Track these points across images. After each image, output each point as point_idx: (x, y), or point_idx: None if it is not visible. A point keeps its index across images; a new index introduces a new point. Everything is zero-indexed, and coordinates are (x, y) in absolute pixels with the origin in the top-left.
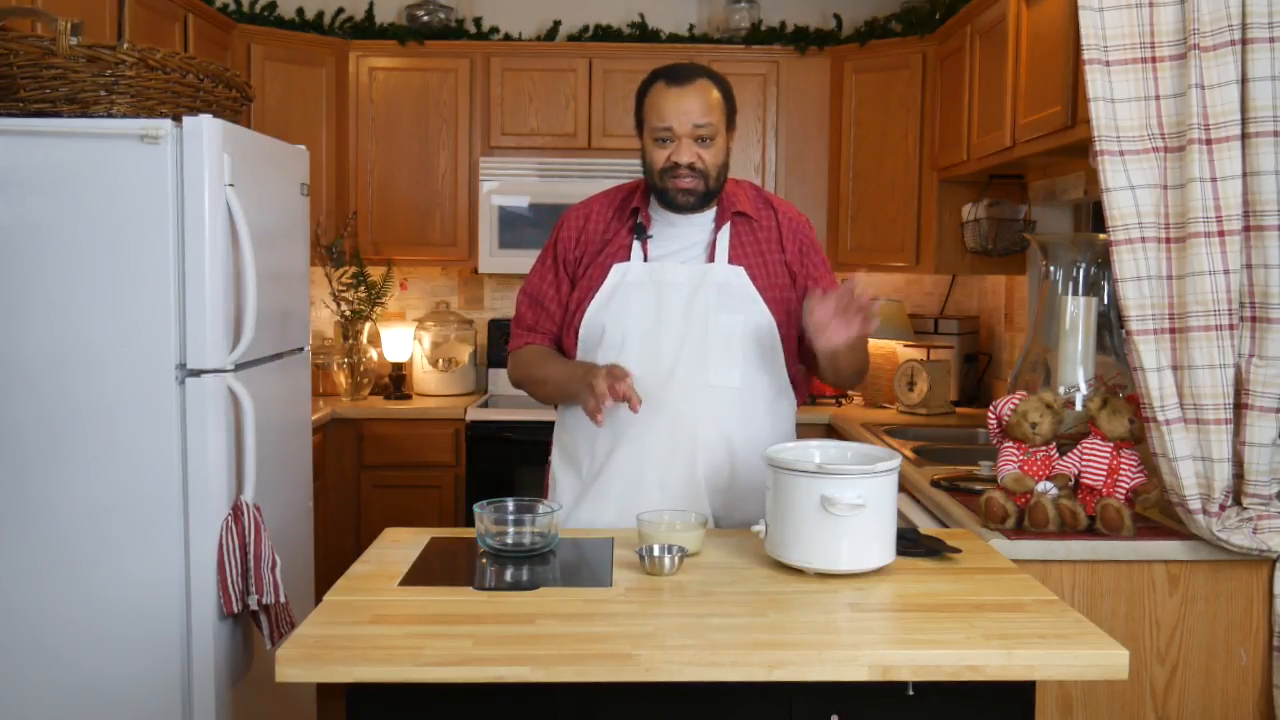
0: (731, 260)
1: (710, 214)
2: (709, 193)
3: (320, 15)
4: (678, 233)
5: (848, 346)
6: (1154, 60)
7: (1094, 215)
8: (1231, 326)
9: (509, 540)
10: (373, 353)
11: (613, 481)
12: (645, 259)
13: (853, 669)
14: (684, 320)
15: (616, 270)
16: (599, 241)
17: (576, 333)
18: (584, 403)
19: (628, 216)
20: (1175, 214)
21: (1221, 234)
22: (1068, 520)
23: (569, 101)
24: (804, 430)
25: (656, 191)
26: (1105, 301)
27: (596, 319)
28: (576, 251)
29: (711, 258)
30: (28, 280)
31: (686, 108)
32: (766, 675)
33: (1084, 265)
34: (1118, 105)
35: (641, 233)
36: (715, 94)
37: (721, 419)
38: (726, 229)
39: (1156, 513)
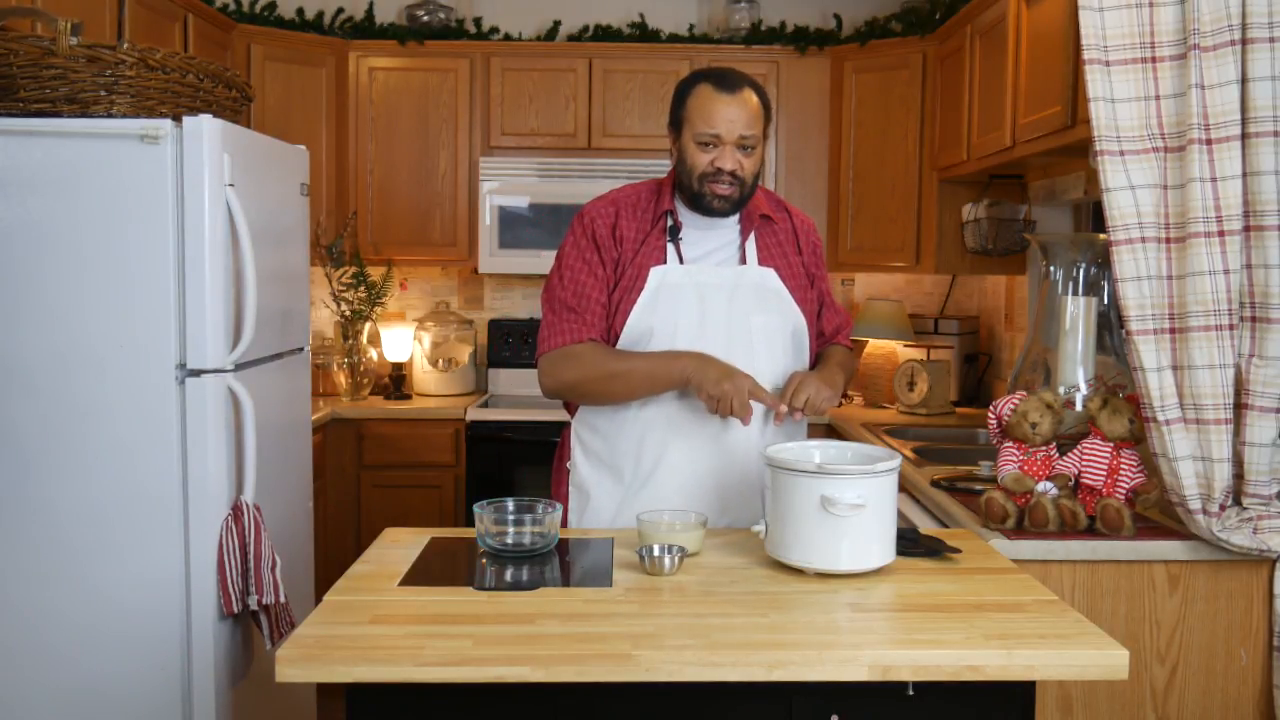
0: (761, 262)
1: (735, 217)
2: (743, 199)
3: (320, 15)
4: (706, 236)
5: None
6: (1154, 60)
7: (1094, 215)
8: (1231, 326)
9: (509, 540)
10: (373, 353)
11: (663, 487)
12: (680, 261)
13: (853, 669)
14: (727, 322)
15: (655, 273)
16: (634, 241)
17: (617, 335)
18: (721, 402)
19: (658, 217)
20: (1175, 214)
21: (1221, 234)
22: (1068, 520)
23: (569, 101)
24: None
25: (691, 194)
26: (1105, 301)
27: (643, 321)
28: (616, 250)
29: (743, 260)
30: (28, 280)
31: (734, 115)
32: (766, 675)
33: (1084, 265)
34: (1118, 105)
35: (675, 234)
36: (757, 103)
37: (769, 419)
38: (753, 232)
39: (1156, 513)
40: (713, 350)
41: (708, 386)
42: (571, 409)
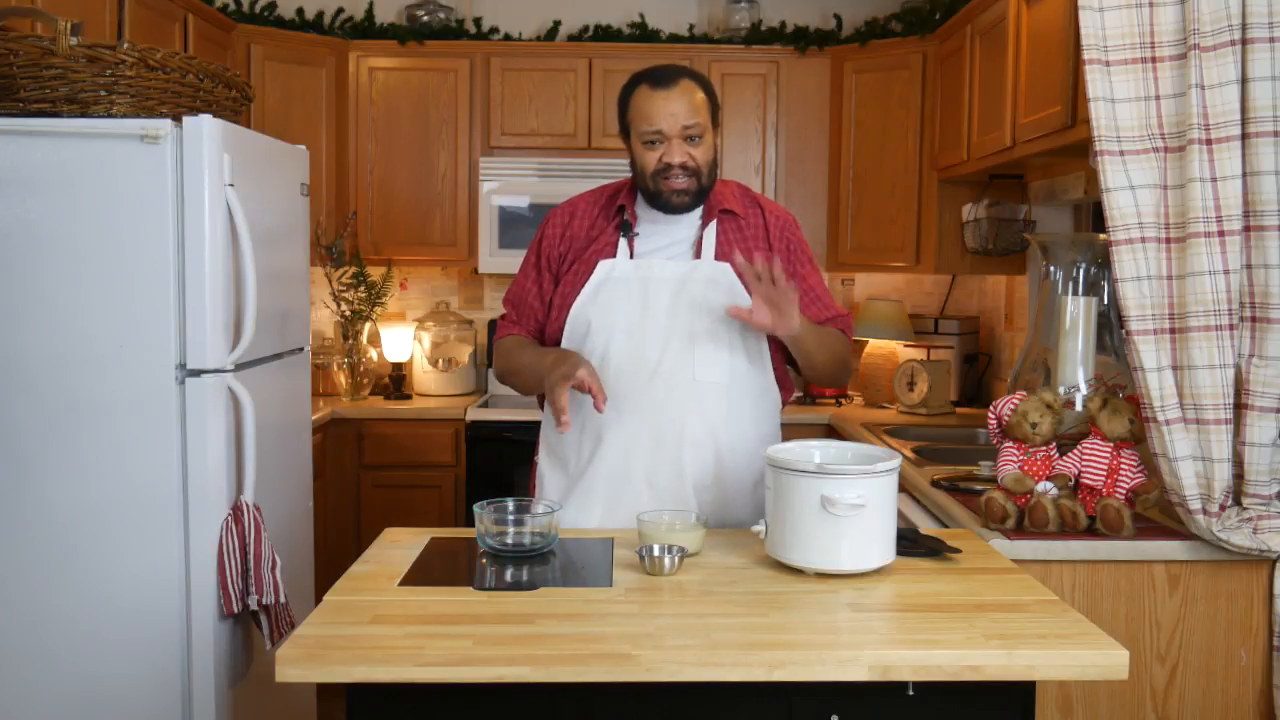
0: (718, 257)
1: (696, 212)
2: (701, 190)
3: (320, 15)
4: (664, 230)
5: (797, 337)
6: (1154, 60)
7: (1094, 215)
8: (1231, 326)
9: (509, 540)
10: (373, 353)
11: (598, 479)
12: (631, 255)
13: (853, 669)
14: (670, 316)
15: (602, 266)
16: (585, 239)
17: (562, 329)
18: (553, 401)
19: (614, 214)
20: (1175, 214)
21: (1221, 234)
22: (1068, 520)
23: (569, 101)
24: (804, 430)
25: (649, 194)
26: (1105, 301)
27: (582, 314)
28: (561, 248)
29: (698, 254)
30: (28, 280)
31: (674, 109)
32: (766, 675)
33: (1084, 265)
34: (1118, 105)
35: (628, 230)
36: (700, 94)
37: (707, 415)
38: (713, 226)
39: (1156, 513)
40: (650, 344)
41: (545, 385)
42: (541, 405)
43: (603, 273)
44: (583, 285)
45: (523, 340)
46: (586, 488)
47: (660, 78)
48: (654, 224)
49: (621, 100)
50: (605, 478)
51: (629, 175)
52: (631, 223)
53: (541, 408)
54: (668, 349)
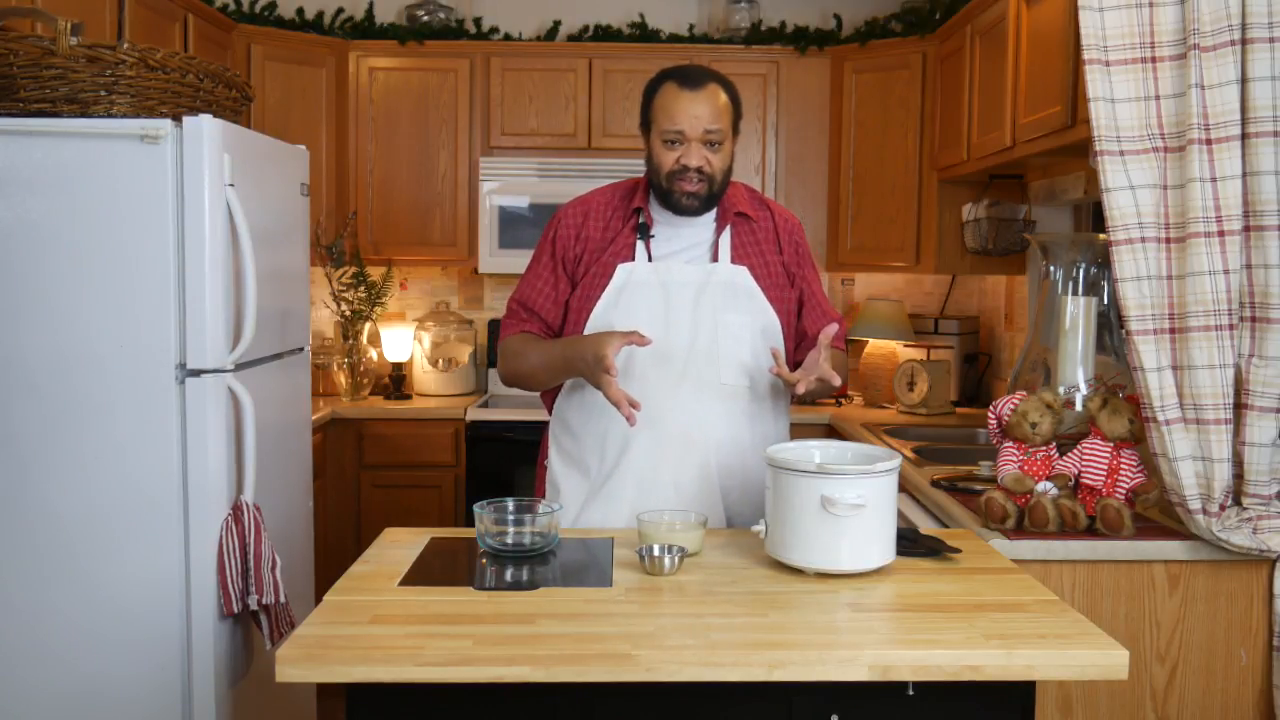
0: (734, 260)
1: (711, 214)
2: (712, 196)
3: (320, 15)
4: (680, 233)
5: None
6: (1154, 60)
7: (1094, 215)
8: (1231, 326)
9: (509, 540)
10: (373, 353)
11: (625, 483)
12: (650, 259)
13: (853, 669)
14: (693, 320)
15: (622, 270)
16: (600, 240)
17: (581, 331)
18: (611, 399)
19: (629, 215)
20: (1175, 214)
21: (1221, 234)
22: (1068, 520)
23: (569, 101)
24: (804, 430)
25: (660, 193)
26: (1105, 301)
27: (604, 318)
28: (577, 249)
29: (715, 257)
30: (28, 280)
31: (699, 111)
32: (766, 675)
33: (1084, 265)
34: (1118, 105)
35: (645, 232)
36: (725, 99)
37: (733, 418)
38: (728, 229)
39: (1156, 513)
40: (675, 348)
41: (588, 379)
42: (549, 408)
43: (623, 276)
44: (602, 289)
45: (529, 337)
46: (613, 492)
47: (689, 78)
48: (670, 226)
49: (646, 95)
50: (634, 482)
51: (638, 174)
52: (649, 225)
53: (550, 410)
54: (693, 353)
